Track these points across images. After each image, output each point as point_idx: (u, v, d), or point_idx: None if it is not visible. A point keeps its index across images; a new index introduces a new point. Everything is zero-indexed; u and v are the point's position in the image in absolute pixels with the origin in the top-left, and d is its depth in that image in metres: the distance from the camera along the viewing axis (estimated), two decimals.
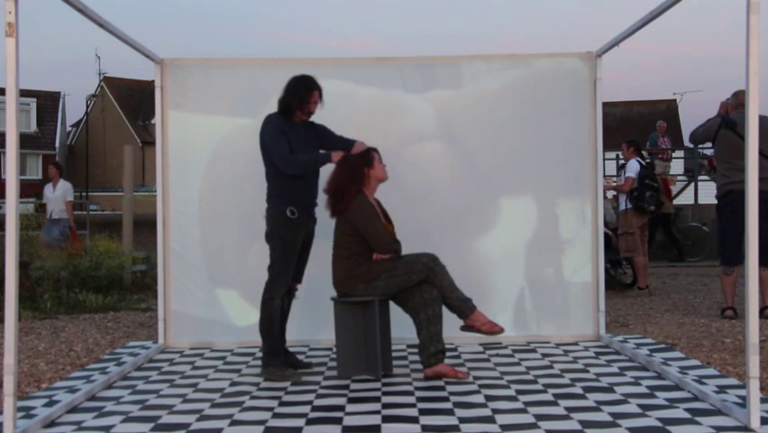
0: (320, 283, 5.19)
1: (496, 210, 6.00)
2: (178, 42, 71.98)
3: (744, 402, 3.61)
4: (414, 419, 3.71)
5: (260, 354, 5.01)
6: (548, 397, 4.14)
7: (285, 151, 4.76)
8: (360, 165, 4.82)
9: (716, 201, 7.12)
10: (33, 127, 39.47)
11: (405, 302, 4.77)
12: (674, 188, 19.04)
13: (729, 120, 6.75)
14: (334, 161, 4.84)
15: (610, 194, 10.95)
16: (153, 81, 6.00)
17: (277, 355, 4.80)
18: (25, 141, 34.43)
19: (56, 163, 12.47)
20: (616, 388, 4.32)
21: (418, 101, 6.01)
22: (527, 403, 3.99)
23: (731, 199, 6.63)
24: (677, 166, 19.82)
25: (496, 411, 3.85)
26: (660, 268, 12.18)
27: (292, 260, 4.85)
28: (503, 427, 3.57)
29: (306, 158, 4.85)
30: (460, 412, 3.84)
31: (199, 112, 5.96)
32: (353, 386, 4.50)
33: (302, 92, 4.87)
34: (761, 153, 6.35)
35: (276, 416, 3.85)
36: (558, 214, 6.02)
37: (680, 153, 20.60)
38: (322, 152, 4.94)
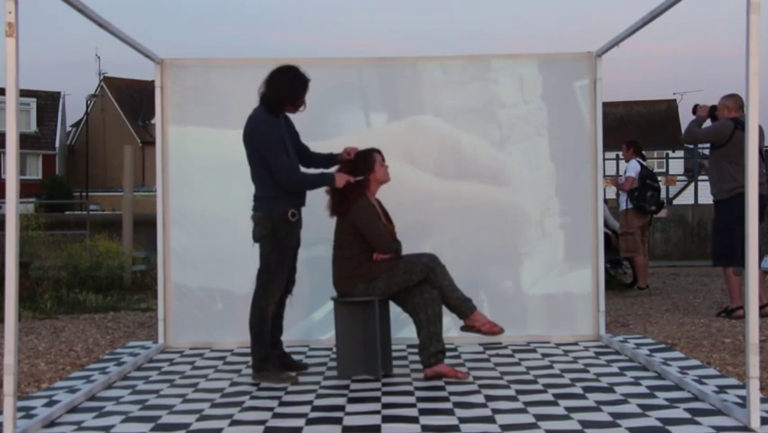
0: (320, 283, 5.18)
1: (495, 209, 6.00)
2: (178, 42, 71.99)
3: (744, 402, 3.61)
4: (414, 419, 3.71)
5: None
6: (548, 397, 4.14)
7: (287, 165, 4.62)
8: (362, 171, 4.80)
9: (717, 201, 7.08)
10: (33, 127, 39.52)
11: (405, 302, 4.77)
12: (674, 189, 19.04)
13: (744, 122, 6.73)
14: (338, 185, 4.71)
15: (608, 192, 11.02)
16: (153, 81, 6.00)
17: (270, 360, 4.71)
18: (25, 141, 34.45)
19: None
20: (616, 388, 4.32)
21: (418, 101, 6.00)
22: (527, 403, 3.99)
23: (743, 201, 6.60)
24: (677, 166, 19.84)
25: (496, 411, 3.85)
26: (660, 268, 12.19)
27: (288, 263, 4.79)
28: (503, 427, 3.57)
29: (313, 177, 4.69)
30: (460, 412, 3.84)
31: (199, 112, 5.95)
32: (353, 386, 4.49)
33: (297, 87, 4.71)
34: None
35: (276, 416, 3.85)
36: (558, 213, 6.01)
37: (679, 153, 20.60)
38: (326, 172, 4.80)
